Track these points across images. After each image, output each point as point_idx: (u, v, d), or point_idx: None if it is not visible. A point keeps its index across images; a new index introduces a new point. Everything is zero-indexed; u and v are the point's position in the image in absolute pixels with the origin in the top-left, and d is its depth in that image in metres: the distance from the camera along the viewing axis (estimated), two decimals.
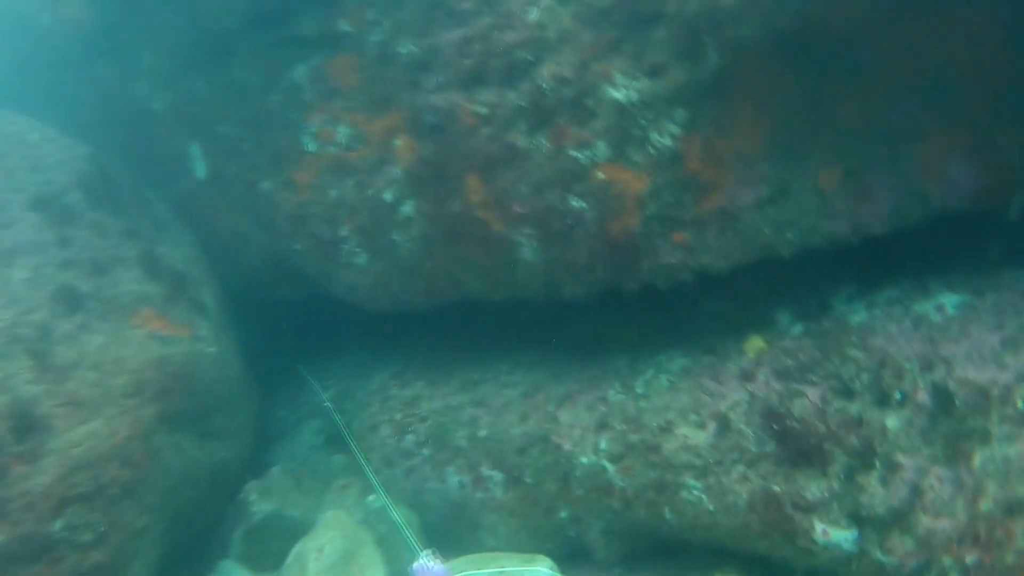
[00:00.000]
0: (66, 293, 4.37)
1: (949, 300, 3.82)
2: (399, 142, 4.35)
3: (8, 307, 4.20)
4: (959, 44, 3.58)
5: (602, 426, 4.19)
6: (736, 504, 3.70)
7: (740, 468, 3.72)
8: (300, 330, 6.12)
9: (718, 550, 3.91)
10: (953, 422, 3.33)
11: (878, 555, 3.32)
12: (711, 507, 3.77)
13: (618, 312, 4.50)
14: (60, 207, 4.79)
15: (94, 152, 5.36)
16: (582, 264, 4.01)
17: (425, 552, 4.04)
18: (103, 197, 5.00)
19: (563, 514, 4.27)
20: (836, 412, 3.59)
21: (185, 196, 5.47)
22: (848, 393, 3.64)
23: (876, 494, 3.37)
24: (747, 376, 3.95)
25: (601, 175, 3.83)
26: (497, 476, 4.48)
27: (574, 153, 3.86)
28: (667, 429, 3.98)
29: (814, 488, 3.50)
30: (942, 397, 3.39)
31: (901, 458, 3.38)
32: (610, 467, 4.07)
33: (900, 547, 3.26)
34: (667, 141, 3.73)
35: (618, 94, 3.73)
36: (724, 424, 3.83)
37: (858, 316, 3.95)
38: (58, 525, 3.84)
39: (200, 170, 5.34)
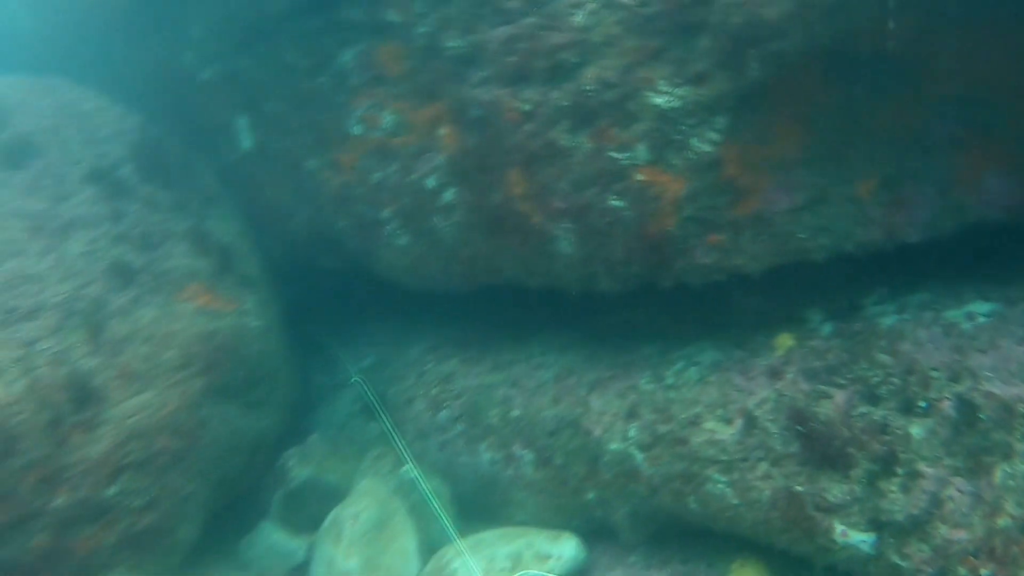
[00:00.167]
0: (120, 267, 4.54)
1: (980, 308, 3.81)
2: (443, 131, 4.41)
3: (65, 281, 4.38)
4: (1002, 59, 3.55)
5: (632, 415, 4.28)
6: (759, 500, 3.78)
7: (764, 466, 3.80)
8: (340, 296, 6.26)
9: (740, 540, 3.99)
10: (976, 435, 3.37)
11: (895, 559, 3.39)
12: (735, 500, 3.86)
13: (651, 302, 4.55)
14: (114, 180, 4.95)
15: (145, 122, 5.49)
16: (618, 260, 4.08)
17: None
18: (154, 170, 5.14)
19: (590, 495, 4.39)
20: (861, 417, 3.64)
21: (230, 166, 5.59)
22: (874, 399, 3.67)
23: (896, 500, 3.43)
24: (775, 374, 4.00)
25: (640, 176, 3.88)
26: (528, 456, 4.61)
27: (614, 154, 3.90)
28: (695, 423, 4.06)
29: (836, 491, 3.57)
30: (967, 409, 3.42)
31: (923, 467, 3.42)
32: (638, 455, 4.18)
33: (917, 554, 3.33)
34: (707, 147, 3.75)
35: (660, 100, 3.75)
36: (751, 422, 3.90)
37: (888, 319, 3.95)
38: (113, 490, 4.09)
39: (247, 141, 5.44)
